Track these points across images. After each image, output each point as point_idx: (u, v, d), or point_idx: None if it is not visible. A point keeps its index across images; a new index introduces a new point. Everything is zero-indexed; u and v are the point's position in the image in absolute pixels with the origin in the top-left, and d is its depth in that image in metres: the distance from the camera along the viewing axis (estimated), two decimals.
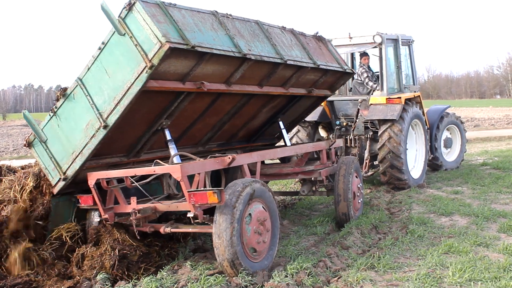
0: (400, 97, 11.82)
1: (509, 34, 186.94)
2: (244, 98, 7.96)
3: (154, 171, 6.32)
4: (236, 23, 7.12)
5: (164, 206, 6.51)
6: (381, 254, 6.91)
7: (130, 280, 6.09)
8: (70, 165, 6.48)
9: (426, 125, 13.17)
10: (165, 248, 7.17)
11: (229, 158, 6.71)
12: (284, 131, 9.54)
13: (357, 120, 11.86)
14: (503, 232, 7.95)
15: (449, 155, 14.83)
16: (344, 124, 12.57)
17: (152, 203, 6.58)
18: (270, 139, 10.24)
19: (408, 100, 12.12)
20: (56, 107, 6.52)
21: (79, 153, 6.37)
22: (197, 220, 6.09)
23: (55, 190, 6.70)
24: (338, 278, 6.14)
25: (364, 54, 12.89)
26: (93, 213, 6.88)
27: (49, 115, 6.60)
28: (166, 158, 6.98)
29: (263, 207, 6.48)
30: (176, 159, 6.82)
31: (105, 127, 6.10)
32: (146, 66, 5.72)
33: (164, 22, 5.82)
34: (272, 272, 6.16)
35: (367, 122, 12.11)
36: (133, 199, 6.55)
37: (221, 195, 5.80)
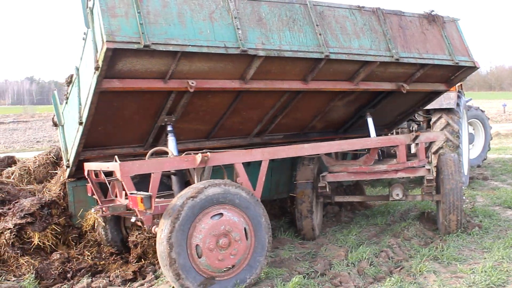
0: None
1: None
2: (287, 93, 6.82)
3: (108, 168, 5.67)
4: (263, 7, 5.97)
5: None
6: (445, 246, 6.74)
7: None
8: (70, 153, 6.43)
9: None
10: None
11: (199, 156, 5.49)
12: (370, 124, 8.07)
13: None
14: None
15: (471, 152, 13.35)
16: None
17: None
18: (365, 131, 8.52)
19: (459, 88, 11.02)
20: (68, 93, 6.44)
21: (73, 144, 6.27)
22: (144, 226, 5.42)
23: (65, 175, 6.81)
24: (401, 268, 6.02)
25: None
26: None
27: (65, 100, 6.57)
28: (195, 150, 6.34)
29: (232, 216, 5.32)
30: (174, 152, 6.16)
31: (80, 123, 5.78)
32: (94, 67, 5.10)
33: (123, 15, 5.02)
34: (332, 261, 6.15)
35: None
36: (122, 194, 6.12)
37: (149, 202, 4.98)
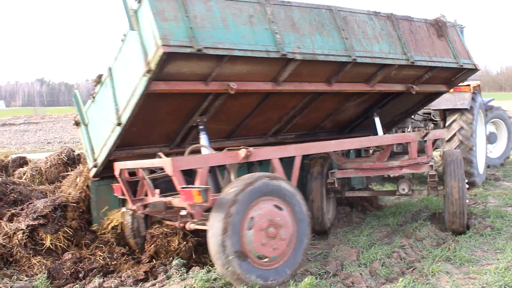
0: (469, 85, 10.78)
1: None
2: (310, 95, 7.08)
3: (153, 164, 5.86)
4: (295, 13, 6.16)
5: (177, 201, 5.90)
6: (457, 247, 6.70)
7: (204, 266, 6.10)
8: (99, 153, 6.43)
9: None
10: None
11: (243, 152, 5.72)
12: (378, 124, 8.35)
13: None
14: None
15: (494, 151, 13.54)
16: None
17: (174, 197, 6.05)
18: (370, 130, 8.93)
19: (474, 89, 11.12)
20: (95, 93, 6.43)
21: (104, 144, 6.26)
22: (195, 219, 5.58)
23: (90, 174, 6.77)
24: (413, 269, 5.97)
25: None
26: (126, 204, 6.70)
27: (90, 99, 6.56)
28: (216, 149, 6.50)
29: (278, 206, 5.47)
30: (206, 151, 6.30)
31: (119, 124, 5.84)
32: (144, 70, 5.20)
33: (173, 19, 5.12)
34: (344, 262, 6.14)
35: (428, 114, 11.08)
36: (156, 192, 6.22)
37: (206, 195, 5.08)
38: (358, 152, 9.29)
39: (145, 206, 6.25)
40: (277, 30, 5.86)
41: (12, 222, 6.62)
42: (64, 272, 6.08)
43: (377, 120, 8.38)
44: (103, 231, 6.81)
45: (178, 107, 6.18)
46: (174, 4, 5.21)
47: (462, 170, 7.43)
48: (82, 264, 6.24)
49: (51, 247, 6.47)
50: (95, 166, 6.58)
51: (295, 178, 6.16)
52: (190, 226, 5.84)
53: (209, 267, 5.98)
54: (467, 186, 7.60)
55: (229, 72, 5.78)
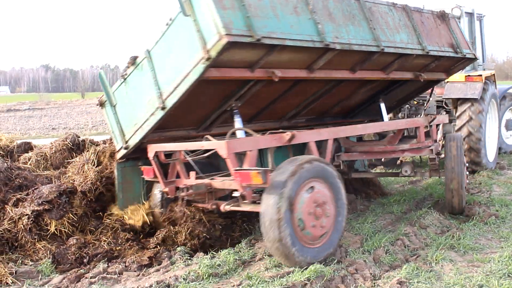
0: (481, 75, 11.03)
1: None
2: (333, 82, 7.33)
3: (202, 147, 6.01)
4: (330, 3, 6.31)
5: (218, 183, 6.18)
6: (461, 235, 6.72)
7: (208, 252, 6.14)
8: (132, 136, 6.42)
9: None
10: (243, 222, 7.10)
11: (288, 135, 6.05)
12: (383, 110, 8.70)
13: (430, 99, 10.79)
14: None
15: (510, 137, 13.85)
16: (415, 103, 11.46)
17: (211, 179, 6.31)
18: (371, 115, 9.32)
19: (487, 79, 11.35)
20: (126, 74, 6.41)
21: (140, 127, 6.26)
22: (246, 201, 5.75)
23: (117, 156, 6.75)
24: (417, 257, 6.00)
25: None
26: (156, 186, 6.83)
27: (120, 80, 6.52)
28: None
29: (322, 187, 5.75)
30: (240, 134, 6.48)
31: (163, 108, 5.88)
32: (203, 57, 5.25)
33: (230, 7, 5.17)
34: (348, 249, 6.14)
35: (440, 102, 11.41)
36: (192, 174, 6.36)
37: (266, 176, 5.27)
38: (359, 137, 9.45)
39: (177, 188, 6.47)
40: (318, 20, 5.99)
41: (17, 207, 6.58)
42: (69, 257, 6.07)
43: (382, 106, 8.67)
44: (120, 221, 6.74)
45: (219, 92, 6.29)
46: None
47: (462, 152, 7.89)
48: (86, 249, 6.23)
49: (56, 232, 6.49)
50: (126, 148, 6.56)
51: (328, 159, 6.55)
52: (225, 207, 6.05)
53: (213, 253, 6.01)
54: (467, 172, 8.13)
55: (273, 60, 5.88)
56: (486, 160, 11.20)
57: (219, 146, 5.63)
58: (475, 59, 8.81)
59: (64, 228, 6.52)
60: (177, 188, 6.52)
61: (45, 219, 6.48)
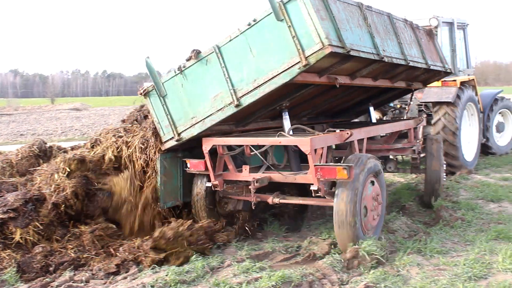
0: (455, 80, 11.63)
1: None
2: (352, 87, 7.81)
3: (280, 142, 6.34)
4: (374, 17, 6.73)
5: (280, 176, 6.53)
6: (428, 239, 6.82)
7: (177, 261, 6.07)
8: (187, 128, 6.51)
9: (480, 109, 12.97)
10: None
11: (347, 133, 6.62)
12: (372, 112, 9.58)
13: (411, 103, 11.53)
14: None
15: (501, 140, 14.61)
16: (398, 106, 12.47)
17: (269, 173, 6.64)
18: (350, 116, 10.24)
19: (463, 83, 11.89)
20: (184, 66, 6.42)
21: (201, 121, 6.37)
22: (318, 194, 6.09)
23: (164, 147, 6.76)
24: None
25: None
26: (200, 179, 6.95)
27: (175, 72, 6.53)
28: (270, 129, 7.27)
29: (376, 182, 6.50)
30: (290, 132, 6.83)
31: (237, 105, 6.07)
32: (299, 62, 5.55)
33: (326, 18, 5.50)
34: (317, 254, 6.16)
35: (421, 105, 12.09)
36: (245, 168, 6.61)
37: (350, 172, 5.76)
38: None
39: (227, 182, 6.80)
40: (373, 33, 6.47)
41: None
42: (34, 265, 5.97)
43: (371, 109, 9.56)
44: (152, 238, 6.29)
45: (279, 92, 6.43)
46: (321, 3, 5.58)
47: (441, 154, 8.90)
48: (52, 257, 6.16)
49: (21, 241, 6.38)
50: (178, 140, 6.61)
51: None
52: (274, 200, 6.55)
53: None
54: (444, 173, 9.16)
55: (337, 68, 6.26)
56: (464, 161, 11.70)
57: (301, 142, 6.01)
58: (450, 73, 9.91)
59: (30, 237, 6.41)
60: (225, 182, 6.79)
61: (10, 227, 6.37)
